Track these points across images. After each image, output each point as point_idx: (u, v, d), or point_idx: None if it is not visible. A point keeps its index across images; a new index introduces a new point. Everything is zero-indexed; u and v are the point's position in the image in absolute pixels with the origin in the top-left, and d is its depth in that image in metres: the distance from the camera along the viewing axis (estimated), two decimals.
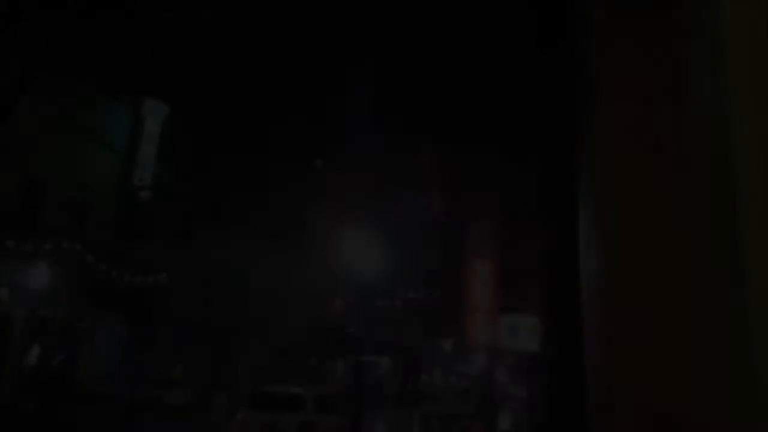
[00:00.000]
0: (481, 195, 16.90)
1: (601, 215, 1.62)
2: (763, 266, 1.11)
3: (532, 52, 2.38)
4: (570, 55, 2.22)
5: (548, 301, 2.11)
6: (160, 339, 25.46)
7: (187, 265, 34.91)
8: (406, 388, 16.97)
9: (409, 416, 21.70)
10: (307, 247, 41.49)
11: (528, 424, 26.09)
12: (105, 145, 6.81)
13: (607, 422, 1.51)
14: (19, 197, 20.79)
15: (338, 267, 36.05)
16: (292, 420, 14.43)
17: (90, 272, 19.55)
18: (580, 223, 2.03)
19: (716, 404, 1.32)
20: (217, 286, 36.83)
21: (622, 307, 1.48)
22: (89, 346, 26.12)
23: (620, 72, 1.67)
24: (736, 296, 1.17)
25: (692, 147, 1.46)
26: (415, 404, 22.78)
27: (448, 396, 42.18)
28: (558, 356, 2.13)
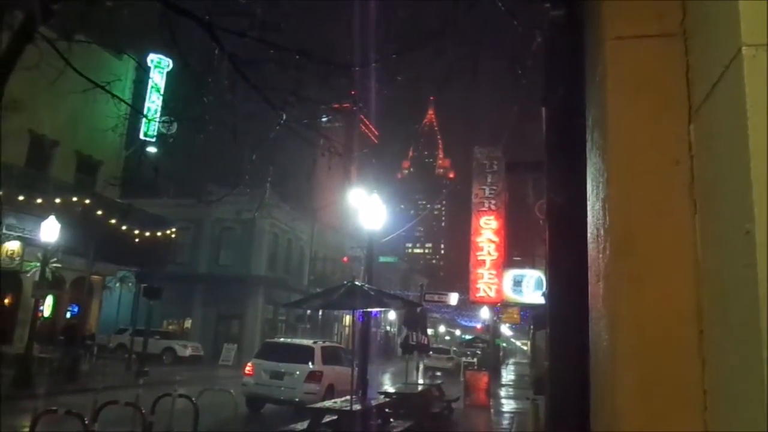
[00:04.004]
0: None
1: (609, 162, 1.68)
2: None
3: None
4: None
5: (555, 242, 2.20)
6: (170, 293, 25.91)
7: (195, 220, 35.24)
8: (412, 340, 17.27)
9: (415, 368, 22.23)
10: (314, 200, 41.62)
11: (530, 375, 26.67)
12: (111, 99, 6.79)
13: (611, 344, 1.61)
14: (27, 153, 20.84)
15: (347, 221, 36.18)
16: (301, 369, 14.77)
17: (100, 227, 19.73)
18: (588, 170, 2.10)
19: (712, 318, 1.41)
20: (225, 240, 37.24)
21: (625, 244, 1.56)
22: (101, 300, 26.66)
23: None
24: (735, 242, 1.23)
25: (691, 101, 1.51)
26: (420, 356, 23.23)
27: (453, 349, 43.01)
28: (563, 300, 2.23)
